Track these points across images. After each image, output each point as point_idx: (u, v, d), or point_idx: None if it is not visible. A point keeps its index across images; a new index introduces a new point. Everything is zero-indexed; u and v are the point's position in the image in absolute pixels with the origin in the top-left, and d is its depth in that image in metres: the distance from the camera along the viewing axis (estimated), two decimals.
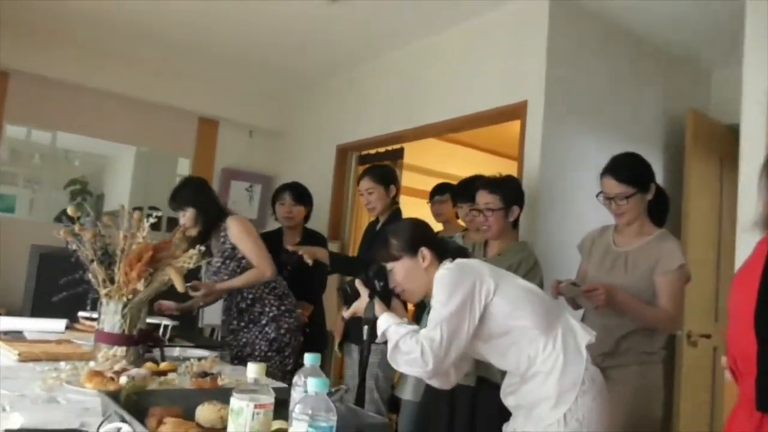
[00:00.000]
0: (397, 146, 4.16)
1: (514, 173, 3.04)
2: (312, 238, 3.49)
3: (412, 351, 1.66)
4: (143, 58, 4.53)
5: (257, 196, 4.98)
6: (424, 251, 1.84)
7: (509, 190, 2.55)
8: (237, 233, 2.84)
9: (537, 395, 1.70)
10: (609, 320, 2.22)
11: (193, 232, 2.84)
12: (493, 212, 2.51)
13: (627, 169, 2.29)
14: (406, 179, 4.31)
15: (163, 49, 4.38)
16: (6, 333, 2.43)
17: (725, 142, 3.51)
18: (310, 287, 3.23)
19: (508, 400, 1.82)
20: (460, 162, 4.01)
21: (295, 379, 1.48)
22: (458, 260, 1.82)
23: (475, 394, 2.40)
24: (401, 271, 1.85)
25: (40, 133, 4.35)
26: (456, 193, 3.12)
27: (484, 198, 2.54)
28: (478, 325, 1.70)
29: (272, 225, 4.00)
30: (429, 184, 4.72)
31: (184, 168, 4.89)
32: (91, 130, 4.47)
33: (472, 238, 2.97)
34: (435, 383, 1.89)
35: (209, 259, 2.84)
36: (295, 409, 1.03)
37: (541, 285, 2.43)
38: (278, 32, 3.96)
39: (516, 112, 3.21)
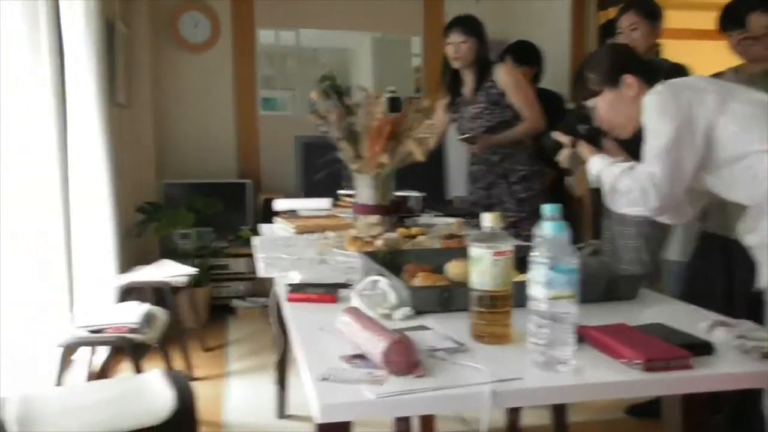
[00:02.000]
0: None
1: None
2: (548, 99, 3.30)
3: (631, 190, 1.50)
4: None
5: None
6: (628, 78, 1.60)
7: None
8: (509, 80, 2.80)
9: None
10: None
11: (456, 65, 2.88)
12: None
13: None
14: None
15: None
16: (285, 212, 2.80)
17: None
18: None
19: (747, 239, 1.56)
20: None
21: (535, 231, 1.45)
22: (671, 80, 1.55)
23: None
24: (604, 105, 1.64)
25: (286, 36, 4.72)
26: (721, 19, 2.61)
27: (758, 21, 2.09)
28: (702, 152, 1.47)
29: None
30: (694, 20, 4.02)
31: (416, 47, 4.93)
32: (328, 23, 4.70)
33: (748, 70, 2.50)
34: (665, 219, 1.70)
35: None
36: (534, 253, 1.00)
37: None
38: None
39: None
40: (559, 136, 1.76)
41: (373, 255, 1.65)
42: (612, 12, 3.68)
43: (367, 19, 4.76)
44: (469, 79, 2.90)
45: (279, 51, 4.75)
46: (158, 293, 2.99)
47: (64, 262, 2.43)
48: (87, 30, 2.73)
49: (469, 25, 2.87)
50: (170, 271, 3.12)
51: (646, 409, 2.56)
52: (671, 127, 1.47)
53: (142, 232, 3.67)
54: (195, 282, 3.37)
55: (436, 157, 3.05)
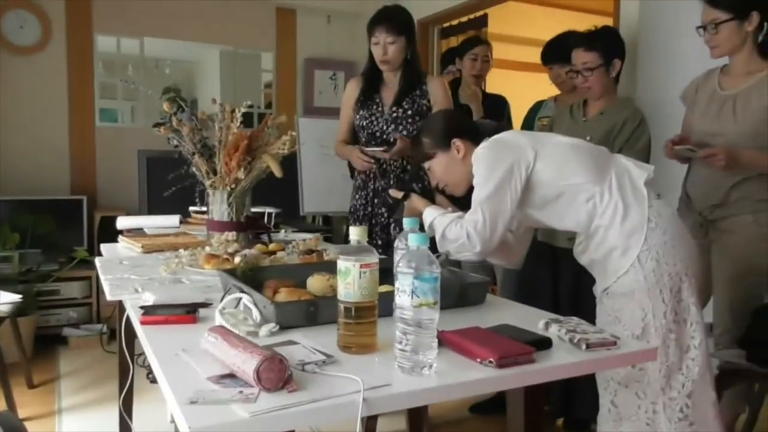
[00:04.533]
0: (479, 13, 3.93)
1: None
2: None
3: (458, 237, 1.68)
4: None
5: (341, 83, 4.93)
6: (457, 142, 1.81)
7: (608, 43, 2.36)
8: (443, 93, 2.61)
9: (605, 247, 1.69)
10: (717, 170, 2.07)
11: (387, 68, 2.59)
12: (593, 71, 2.33)
13: None
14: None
15: None
16: (129, 231, 2.63)
17: None
18: None
19: (582, 259, 1.82)
20: (549, 25, 3.72)
21: (396, 242, 1.52)
22: (494, 137, 1.78)
23: None
24: (438, 167, 1.85)
25: (128, 44, 4.46)
26: (545, 53, 2.93)
27: (581, 57, 2.36)
28: (527, 195, 1.69)
29: None
30: (517, 53, 4.42)
31: (267, 63, 4.90)
32: (176, 33, 4.51)
33: (566, 101, 2.82)
34: (497, 262, 1.91)
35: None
36: (399, 264, 1.05)
37: (648, 143, 2.30)
38: None
39: None
40: (394, 192, 1.94)
41: (232, 272, 1.61)
42: (453, 41, 3.95)
43: (216, 31, 4.66)
44: (393, 81, 2.65)
45: (120, 60, 4.47)
46: None
47: None
48: None
49: (399, 22, 2.58)
50: None
51: (488, 406, 2.77)
52: (494, 177, 1.67)
53: None
54: (19, 311, 3.03)
55: (291, 172, 3.03)
